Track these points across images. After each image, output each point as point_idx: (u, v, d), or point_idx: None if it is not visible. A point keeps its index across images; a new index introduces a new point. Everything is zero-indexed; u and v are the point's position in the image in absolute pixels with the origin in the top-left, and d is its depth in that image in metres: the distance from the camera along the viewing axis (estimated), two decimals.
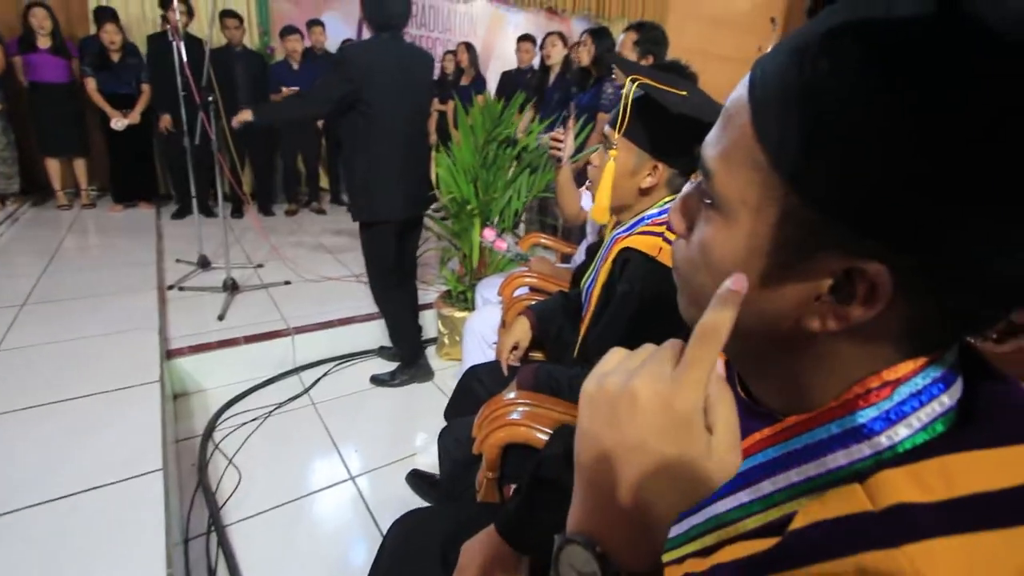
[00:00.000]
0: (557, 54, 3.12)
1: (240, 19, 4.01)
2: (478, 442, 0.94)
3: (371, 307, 2.61)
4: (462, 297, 2.48)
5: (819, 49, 0.29)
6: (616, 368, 0.35)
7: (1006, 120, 0.24)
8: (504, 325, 1.57)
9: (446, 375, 2.35)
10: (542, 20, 5.85)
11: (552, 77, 3.12)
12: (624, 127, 0.89)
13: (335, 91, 1.79)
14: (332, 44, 4.78)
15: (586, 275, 1.14)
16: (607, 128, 0.99)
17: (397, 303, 2.16)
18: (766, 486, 0.39)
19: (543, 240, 2.12)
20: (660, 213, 0.99)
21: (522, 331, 1.35)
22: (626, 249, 0.96)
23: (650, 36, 2.08)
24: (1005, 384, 0.34)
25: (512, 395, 1.01)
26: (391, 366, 2.32)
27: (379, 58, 1.80)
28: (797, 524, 0.34)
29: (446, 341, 2.51)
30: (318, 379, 2.26)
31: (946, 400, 0.33)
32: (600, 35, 2.66)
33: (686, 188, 0.43)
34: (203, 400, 2.06)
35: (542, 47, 3.28)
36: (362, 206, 1.96)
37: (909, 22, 0.26)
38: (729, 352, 0.35)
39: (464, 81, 4.39)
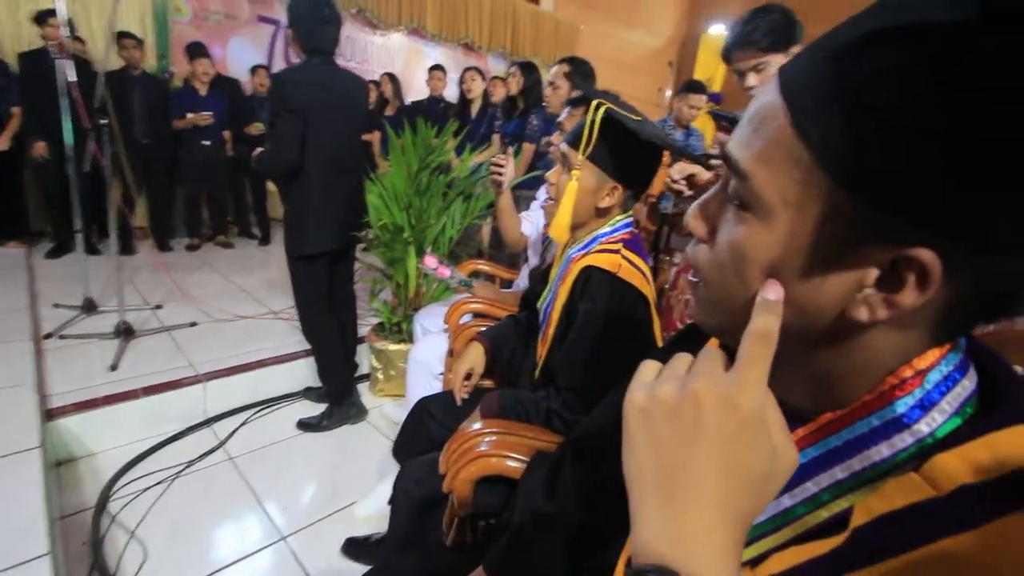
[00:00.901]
0: (477, 88, 3.24)
1: (139, 40, 3.69)
2: (448, 479, 0.87)
3: (294, 346, 2.42)
4: (397, 329, 2.37)
5: (860, 54, 0.29)
6: (662, 377, 0.34)
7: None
8: (452, 353, 1.51)
9: (381, 412, 2.21)
10: (459, 55, 5.98)
11: (475, 111, 3.20)
12: (589, 149, 0.91)
13: (294, 129, 1.67)
14: (238, 70, 4.54)
15: (543, 296, 1.13)
16: (566, 148, 1.00)
17: (330, 337, 2.02)
18: (810, 487, 0.38)
19: (481, 266, 2.09)
20: (613, 232, 1.02)
21: (476, 357, 1.30)
22: (588, 267, 0.97)
23: (580, 69, 2.20)
24: (1006, 364, 0.36)
25: (478, 425, 0.95)
26: (319, 408, 2.14)
27: (317, 86, 1.70)
28: (859, 520, 0.33)
29: (380, 376, 2.37)
30: (235, 430, 2.03)
31: (968, 384, 0.34)
32: (528, 68, 2.80)
33: (707, 193, 0.42)
34: (94, 465, 1.76)
35: (462, 81, 3.39)
36: (297, 239, 1.84)
37: (952, 26, 0.27)
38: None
39: (389, 111, 4.35)
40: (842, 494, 0.36)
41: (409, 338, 2.29)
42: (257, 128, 4.17)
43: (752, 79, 1.48)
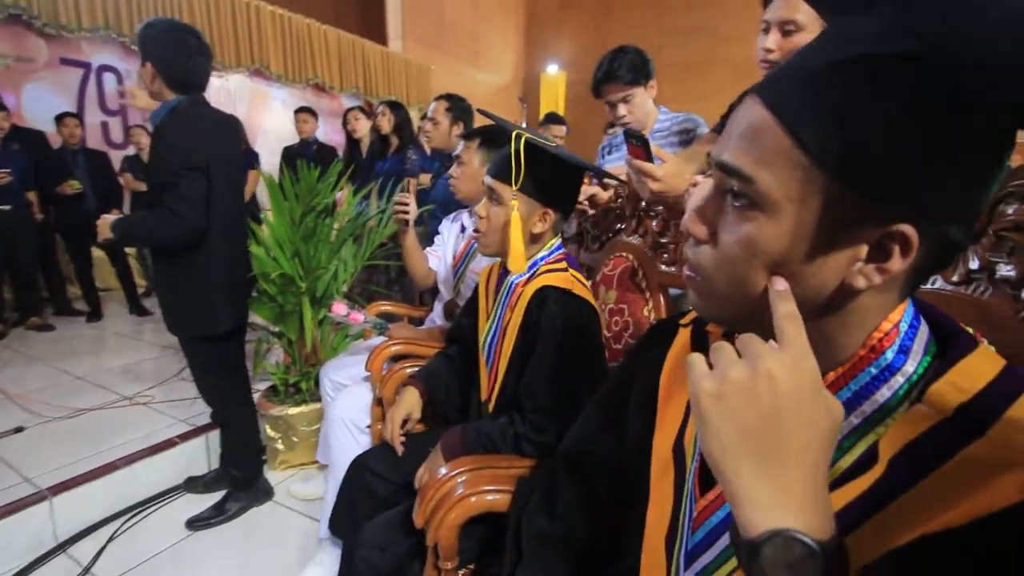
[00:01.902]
0: (362, 127, 3.17)
1: None
2: (431, 532, 0.81)
3: (162, 432, 2.07)
4: (294, 390, 2.15)
5: (833, 79, 0.37)
6: (724, 363, 0.38)
7: (972, 120, 0.35)
8: (381, 402, 1.41)
9: (288, 488, 1.97)
10: (310, 96, 5.75)
11: (364, 150, 3.13)
12: (520, 179, 0.94)
13: (200, 189, 1.42)
14: (37, 120, 3.83)
15: (484, 329, 1.12)
16: (492, 181, 1.03)
17: (250, 416, 1.79)
18: None
19: (385, 307, 2.00)
20: (551, 254, 1.07)
21: (412, 402, 1.23)
22: (543, 288, 0.99)
23: (459, 105, 2.27)
24: (938, 308, 0.45)
25: (444, 470, 0.90)
26: (210, 499, 1.84)
27: (213, 132, 1.50)
28: (889, 453, 0.39)
29: (280, 447, 2.11)
30: (102, 549, 1.65)
31: (924, 329, 0.43)
32: (396, 107, 2.80)
33: (699, 199, 0.47)
34: None
35: (346, 122, 3.32)
36: (203, 317, 1.57)
37: (904, 56, 0.35)
38: (760, 329, 0.40)
39: None
40: (860, 438, 0.42)
41: (312, 398, 2.09)
42: (72, 187, 3.54)
43: (622, 109, 1.68)
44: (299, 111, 4.05)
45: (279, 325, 2.12)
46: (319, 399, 2.05)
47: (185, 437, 2.03)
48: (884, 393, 0.41)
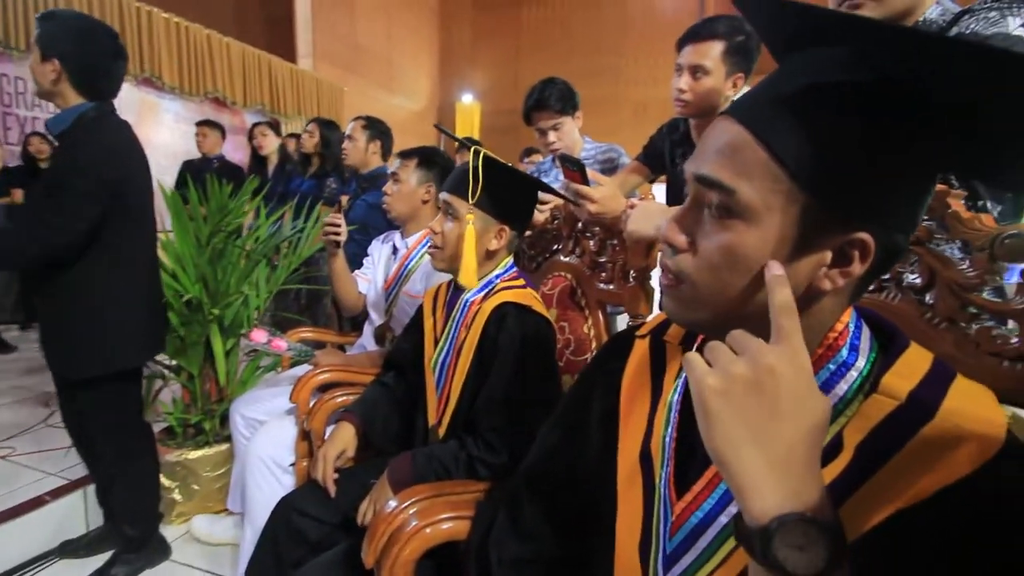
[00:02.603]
0: (270, 144, 2.98)
1: None
2: (385, 572, 0.75)
3: (28, 490, 1.75)
4: (195, 431, 1.92)
5: (807, 101, 0.42)
6: (724, 361, 0.39)
7: (916, 142, 0.41)
8: (305, 437, 1.31)
9: (186, 543, 1.73)
10: (208, 110, 5.33)
11: (271, 168, 2.93)
12: (478, 194, 0.93)
13: (88, 208, 1.22)
14: None
15: (436, 350, 1.08)
16: (449, 196, 1.02)
17: (148, 466, 1.57)
18: None
19: (305, 333, 1.87)
20: (505, 272, 1.07)
21: (347, 437, 1.15)
22: (503, 305, 0.98)
23: (379, 127, 2.25)
24: (873, 310, 0.52)
25: (394, 503, 0.85)
26: (91, 564, 1.57)
27: (128, 144, 1.33)
28: (855, 440, 0.44)
29: (178, 496, 1.87)
30: None
31: (866, 330, 0.49)
32: (329, 126, 2.72)
33: (676, 211, 0.50)
34: None
35: (252, 137, 3.08)
36: (99, 355, 1.35)
37: (869, 85, 0.40)
38: (740, 325, 0.42)
39: None
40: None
41: (217, 439, 1.88)
42: None
43: (552, 136, 1.76)
44: (201, 124, 3.75)
45: (178, 359, 1.90)
46: (226, 439, 1.86)
47: (57, 494, 1.73)
48: (842, 387, 0.46)
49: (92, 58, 1.31)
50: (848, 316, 0.47)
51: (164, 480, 1.85)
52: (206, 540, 1.71)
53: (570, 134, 1.77)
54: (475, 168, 0.94)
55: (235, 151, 5.04)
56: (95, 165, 1.26)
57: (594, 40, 7.67)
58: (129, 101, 4.65)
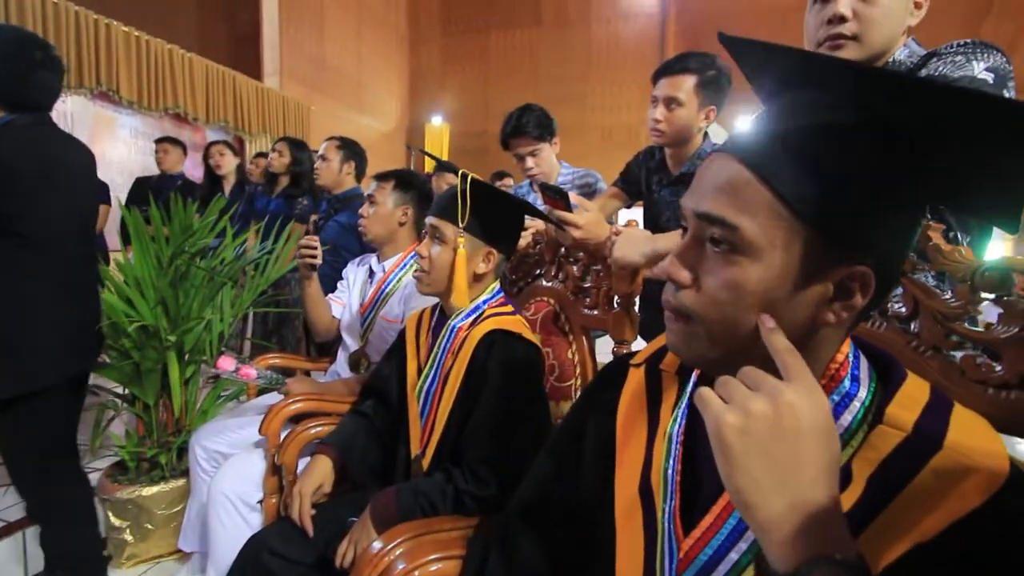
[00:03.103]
0: (227, 164, 2.88)
1: None
2: None
3: None
4: (149, 465, 1.79)
5: (802, 140, 0.43)
6: (740, 398, 0.39)
7: (911, 177, 0.42)
8: (275, 472, 1.23)
9: None
10: (167, 126, 5.15)
11: (228, 188, 2.83)
12: (467, 218, 0.92)
13: None
14: None
15: (421, 377, 1.05)
16: (436, 220, 1.00)
17: (81, 502, 1.41)
18: None
19: (276, 360, 1.79)
20: (493, 297, 1.05)
21: (324, 470, 1.10)
22: (492, 331, 0.96)
23: (353, 148, 2.24)
24: (868, 341, 0.53)
25: (379, 544, 0.80)
26: None
27: (33, 154, 1.23)
28: (865, 472, 0.44)
29: (129, 537, 1.73)
30: None
31: (864, 360, 0.50)
32: (299, 146, 2.66)
33: (677, 248, 0.50)
34: None
35: (209, 156, 2.96)
36: (15, 368, 1.24)
37: (860, 124, 0.42)
38: (743, 360, 0.43)
39: None
40: None
41: (173, 474, 1.76)
42: None
43: (530, 162, 1.78)
44: (161, 141, 3.60)
45: (132, 387, 1.78)
46: (183, 474, 1.75)
47: None
48: (847, 418, 0.46)
49: (14, 69, 1.24)
50: (847, 347, 0.48)
51: (113, 519, 1.72)
52: None
53: (548, 160, 1.79)
54: (463, 192, 0.93)
55: (195, 168, 4.88)
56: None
57: (560, 68, 7.87)
58: (83, 115, 4.46)
